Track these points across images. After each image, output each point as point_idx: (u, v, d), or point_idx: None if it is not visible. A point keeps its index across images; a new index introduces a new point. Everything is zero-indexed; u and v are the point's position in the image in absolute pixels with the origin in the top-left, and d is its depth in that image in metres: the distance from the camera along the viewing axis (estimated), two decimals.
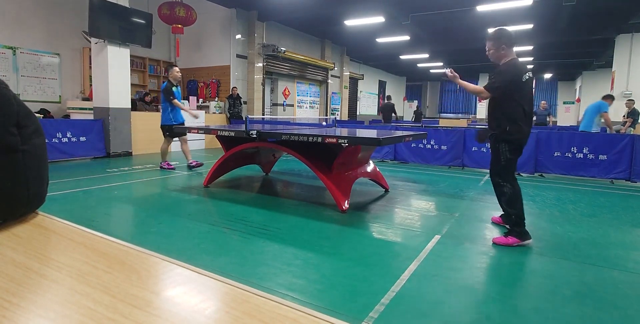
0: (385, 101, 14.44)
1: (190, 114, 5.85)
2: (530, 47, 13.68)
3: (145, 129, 8.05)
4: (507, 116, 2.99)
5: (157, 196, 4.41)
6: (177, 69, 5.90)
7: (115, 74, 7.25)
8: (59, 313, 0.38)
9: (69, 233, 0.57)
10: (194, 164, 6.05)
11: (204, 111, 9.93)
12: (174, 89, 5.79)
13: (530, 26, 10.78)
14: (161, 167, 6.08)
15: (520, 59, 3.14)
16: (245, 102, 11.39)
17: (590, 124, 7.06)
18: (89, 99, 8.33)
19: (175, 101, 5.75)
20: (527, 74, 2.98)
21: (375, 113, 20.24)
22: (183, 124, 5.97)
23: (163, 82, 5.83)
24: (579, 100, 19.15)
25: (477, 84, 21.67)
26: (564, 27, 11.05)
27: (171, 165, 6.12)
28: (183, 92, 10.99)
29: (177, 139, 6.10)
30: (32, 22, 8.19)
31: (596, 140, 6.05)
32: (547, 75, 21.44)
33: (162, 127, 5.89)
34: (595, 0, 9.41)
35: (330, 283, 2.22)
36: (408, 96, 25.21)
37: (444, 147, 7.13)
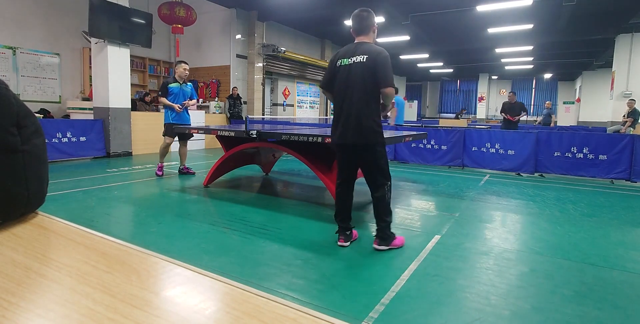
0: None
1: (174, 107, 5.46)
2: (530, 47, 13.67)
3: (145, 129, 8.05)
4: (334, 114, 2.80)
5: (157, 196, 4.41)
6: (184, 65, 5.45)
7: (115, 74, 7.25)
8: (59, 313, 0.38)
9: (69, 233, 0.57)
10: (184, 170, 5.67)
11: (204, 111, 9.94)
12: (172, 85, 5.39)
13: (530, 26, 10.77)
14: (156, 173, 5.51)
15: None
16: (245, 102, 11.40)
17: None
18: (89, 99, 8.33)
19: (161, 98, 5.38)
20: (345, 59, 2.54)
21: None
22: (188, 125, 5.58)
23: (163, 82, 5.68)
24: (579, 100, 19.14)
25: (477, 84, 21.34)
26: (564, 27, 11.05)
27: (161, 171, 5.50)
28: None
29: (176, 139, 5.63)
30: (32, 22, 8.19)
31: (596, 140, 6.04)
32: (547, 76, 21.43)
33: (164, 125, 5.53)
34: (595, 0, 9.41)
35: (330, 283, 2.22)
36: (408, 95, 25.18)
37: (444, 147, 7.13)
